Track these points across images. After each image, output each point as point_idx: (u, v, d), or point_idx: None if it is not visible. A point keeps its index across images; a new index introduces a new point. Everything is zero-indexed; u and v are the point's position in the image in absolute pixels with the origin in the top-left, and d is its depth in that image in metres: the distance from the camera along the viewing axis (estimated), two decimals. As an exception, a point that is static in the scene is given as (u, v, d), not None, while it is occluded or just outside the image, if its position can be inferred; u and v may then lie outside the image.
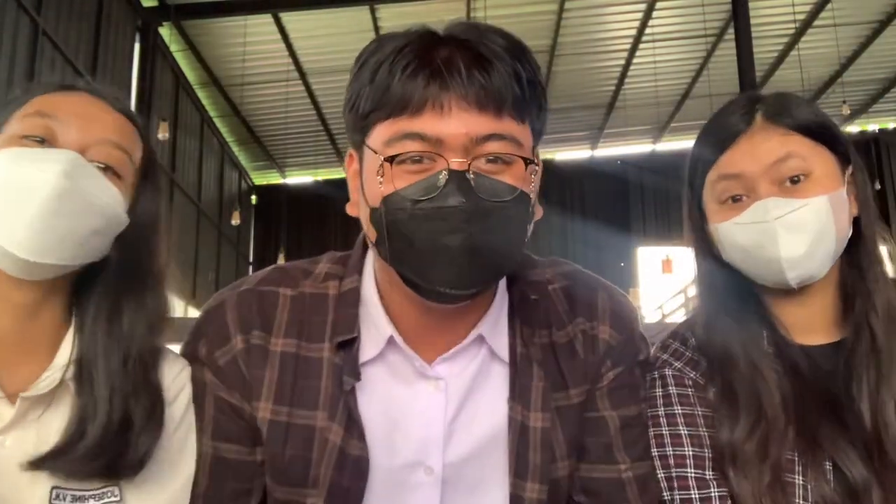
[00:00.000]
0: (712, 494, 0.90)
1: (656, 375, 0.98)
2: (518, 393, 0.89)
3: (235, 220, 10.40)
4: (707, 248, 0.99)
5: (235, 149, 12.24)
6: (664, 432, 0.94)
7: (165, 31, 8.61)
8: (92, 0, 7.34)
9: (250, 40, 8.88)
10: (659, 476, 0.93)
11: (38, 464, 0.78)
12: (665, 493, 0.92)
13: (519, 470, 0.87)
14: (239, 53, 9.16)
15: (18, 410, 0.80)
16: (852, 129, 12.78)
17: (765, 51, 9.56)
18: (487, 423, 0.89)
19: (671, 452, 0.92)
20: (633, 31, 9.64)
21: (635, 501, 0.90)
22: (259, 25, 8.77)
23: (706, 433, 0.93)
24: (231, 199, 11.80)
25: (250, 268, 13.01)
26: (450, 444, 0.88)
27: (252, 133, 11.62)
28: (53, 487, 0.79)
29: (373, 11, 8.69)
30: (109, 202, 0.82)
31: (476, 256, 0.78)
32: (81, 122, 0.83)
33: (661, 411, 0.95)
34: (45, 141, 0.81)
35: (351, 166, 0.87)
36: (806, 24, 9.42)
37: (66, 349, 0.84)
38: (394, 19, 8.88)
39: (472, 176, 0.77)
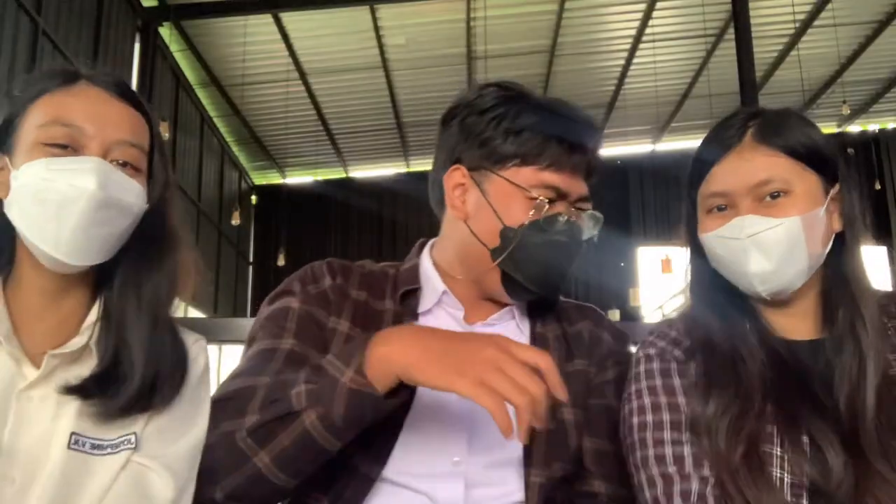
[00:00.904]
0: (685, 452, 0.95)
1: (641, 355, 1.06)
2: None
3: (235, 220, 10.37)
4: (700, 252, 1.05)
5: (235, 149, 12.24)
6: (645, 402, 1.01)
7: (165, 31, 8.60)
8: (92, 0, 7.34)
9: (250, 40, 8.87)
10: (635, 439, 0.99)
11: (70, 390, 0.86)
12: (639, 452, 0.98)
13: None
14: (239, 53, 9.16)
15: (46, 367, 0.87)
16: (852, 128, 12.79)
17: (765, 51, 9.56)
18: None
19: (650, 419, 0.99)
20: (633, 31, 9.64)
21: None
22: (259, 25, 8.77)
23: (684, 401, 0.99)
24: (231, 199, 11.78)
25: (250, 268, 13.01)
26: None
27: (252, 133, 11.61)
28: (73, 433, 0.85)
29: (373, 11, 8.69)
30: (136, 201, 0.90)
31: (564, 275, 1.10)
32: (98, 124, 0.89)
33: (644, 384, 1.02)
34: (68, 147, 0.87)
35: (454, 178, 1.12)
36: (806, 24, 9.41)
37: (93, 315, 0.92)
38: (394, 19, 8.89)
39: (576, 222, 1.10)
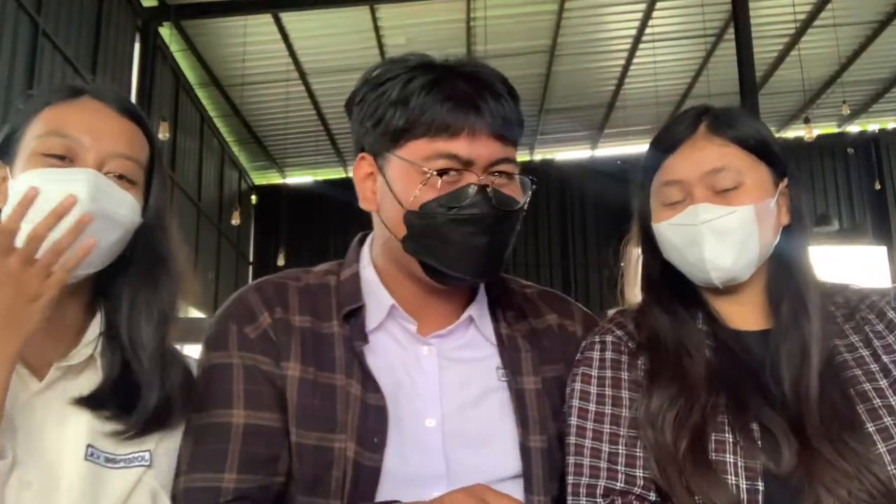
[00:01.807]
0: (620, 451, 0.98)
1: (597, 340, 1.07)
2: (509, 363, 1.04)
3: (235, 220, 10.38)
4: (652, 245, 1.07)
5: (235, 149, 12.23)
6: (591, 390, 1.02)
7: (165, 31, 8.60)
8: (92, 0, 7.34)
9: (250, 40, 8.87)
10: (573, 423, 1.01)
11: (82, 401, 0.88)
12: (573, 438, 1.00)
13: (523, 422, 1.01)
14: (239, 53, 9.15)
15: (50, 378, 0.89)
16: (852, 128, 12.78)
17: (765, 51, 9.55)
18: (479, 384, 1.03)
19: (592, 408, 1.01)
20: (633, 31, 9.63)
21: None
22: (259, 25, 8.76)
23: (628, 396, 1.01)
24: (231, 199, 11.78)
25: (250, 268, 13.00)
26: (444, 398, 1.01)
27: (252, 133, 11.61)
28: (89, 445, 0.88)
29: (373, 11, 8.68)
30: (128, 213, 0.91)
31: (491, 253, 0.98)
32: (95, 136, 0.90)
33: (595, 372, 1.04)
34: (65, 158, 0.89)
35: (362, 168, 1.02)
36: (806, 24, 9.41)
37: (95, 328, 0.94)
38: (394, 19, 8.88)
39: (490, 190, 0.96)
